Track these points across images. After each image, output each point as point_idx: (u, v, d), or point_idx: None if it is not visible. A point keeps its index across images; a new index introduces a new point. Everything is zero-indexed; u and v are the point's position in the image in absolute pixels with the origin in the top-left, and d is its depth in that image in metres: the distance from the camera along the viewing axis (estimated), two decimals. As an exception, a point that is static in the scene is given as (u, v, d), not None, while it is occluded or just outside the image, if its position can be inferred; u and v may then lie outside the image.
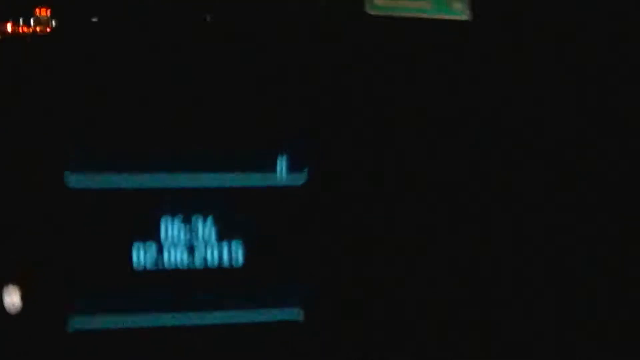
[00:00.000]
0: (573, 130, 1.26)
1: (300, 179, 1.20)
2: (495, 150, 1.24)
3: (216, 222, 1.19)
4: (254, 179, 1.19)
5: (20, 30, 1.24)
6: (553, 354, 1.27)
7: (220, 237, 1.19)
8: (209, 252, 1.19)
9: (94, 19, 1.21)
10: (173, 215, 1.18)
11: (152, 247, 1.17)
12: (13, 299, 1.15)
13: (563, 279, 1.28)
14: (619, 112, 1.28)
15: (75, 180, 1.15)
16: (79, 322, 1.16)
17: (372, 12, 1.24)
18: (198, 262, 1.18)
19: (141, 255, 1.17)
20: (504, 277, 1.25)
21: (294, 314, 1.21)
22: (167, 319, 1.19)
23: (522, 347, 1.26)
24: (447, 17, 1.25)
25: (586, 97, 1.27)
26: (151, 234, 1.17)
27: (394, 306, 1.23)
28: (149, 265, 1.17)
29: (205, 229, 1.18)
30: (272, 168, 1.20)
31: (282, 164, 1.20)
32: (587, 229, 1.27)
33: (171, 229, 1.18)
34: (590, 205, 1.27)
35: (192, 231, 1.18)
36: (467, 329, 1.25)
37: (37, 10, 1.24)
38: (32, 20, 1.24)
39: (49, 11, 1.24)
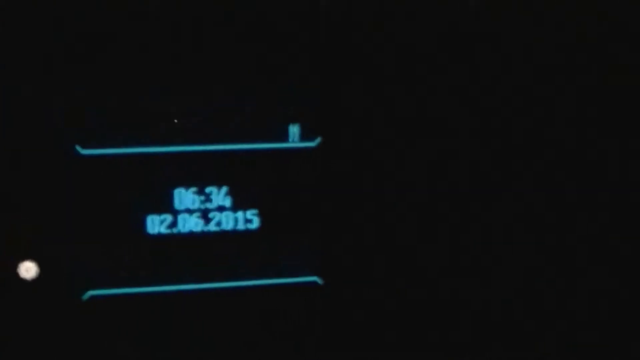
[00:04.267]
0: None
1: (312, 146, 1.20)
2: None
3: (231, 191, 1.19)
4: (268, 148, 1.19)
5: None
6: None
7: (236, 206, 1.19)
8: (224, 220, 1.19)
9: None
10: (187, 186, 1.18)
11: (167, 218, 1.18)
12: (29, 270, 1.16)
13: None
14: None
15: (88, 152, 1.15)
16: (95, 290, 1.17)
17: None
18: (212, 229, 1.19)
19: (156, 226, 1.18)
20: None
21: (313, 280, 1.22)
22: (186, 285, 1.20)
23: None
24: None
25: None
26: (165, 205, 1.18)
27: (411, 270, 1.24)
28: (163, 234, 1.18)
29: (219, 198, 1.19)
30: (285, 137, 1.20)
31: (294, 132, 1.20)
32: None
33: (185, 199, 1.18)
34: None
35: (207, 201, 1.19)
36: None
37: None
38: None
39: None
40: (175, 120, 1.18)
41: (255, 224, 1.20)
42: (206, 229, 1.19)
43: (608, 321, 1.30)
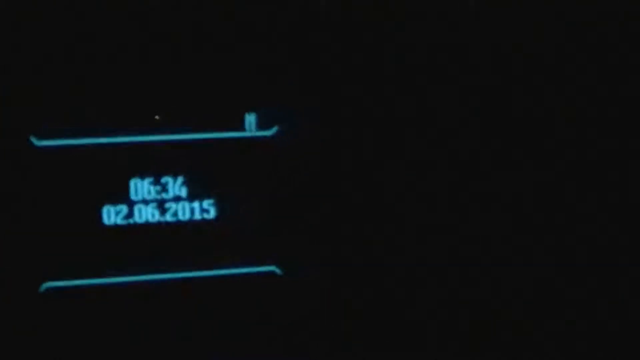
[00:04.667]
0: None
1: (269, 135, 1.20)
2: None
3: (187, 181, 1.18)
4: (224, 137, 1.19)
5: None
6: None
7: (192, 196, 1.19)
8: (180, 210, 1.19)
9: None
10: (143, 177, 1.17)
11: (123, 209, 1.17)
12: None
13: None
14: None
15: (43, 144, 1.15)
16: (52, 282, 1.17)
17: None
18: (169, 220, 1.19)
19: (112, 216, 1.17)
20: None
21: (271, 270, 1.22)
22: (141, 276, 1.19)
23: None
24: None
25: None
26: (121, 195, 1.17)
27: (370, 258, 1.24)
28: (120, 224, 1.18)
29: (176, 188, 1.18)
30: (242, 126, 1.19)
31: (251, 121, 1.19)
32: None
33: (141, 190, 1.18)
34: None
35: (163, 191, 1.18)
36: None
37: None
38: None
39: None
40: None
41: (212, 213, 1.20)
42: (163, 219, 1.19)
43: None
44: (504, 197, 1.26)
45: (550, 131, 1.26)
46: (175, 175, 1.18)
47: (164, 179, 1.18)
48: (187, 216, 1.19)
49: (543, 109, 1.25)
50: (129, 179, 1.18)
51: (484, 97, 1.24)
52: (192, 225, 1.19)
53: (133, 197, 1.18)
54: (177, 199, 1.19)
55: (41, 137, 1.15)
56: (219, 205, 1.20)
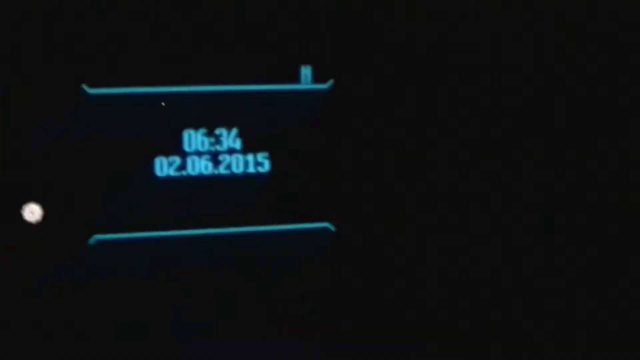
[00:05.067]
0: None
1: (324, 88, 1.18)
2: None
3: (241, 133, 1.16)
4: (279, 90, 1.17)
5: None
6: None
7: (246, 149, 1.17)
8: (234, 163, 1.17)
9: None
10: (196, 128, 1.15)
11: (176, 161, 1.15)
12: (34, 212, 1.13)
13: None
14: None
15: (96, 92, 1.12)
16: (101, 234, 1.14)
17: None
18: (222, 172, 1.17)
19: (164, 168, 1.15)
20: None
21: (324, 226, 1.20)
22: (193, 230, 1.17)
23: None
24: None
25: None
26: (174, 147, 1.15)
27: (423, 216, 1.23)
28: (172, 176, 1.15)
29: (230, 140, 1.16)
30: (297, 79, 1.18)
31: (306, 74, 1.18)
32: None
33: (195, 141, 1.16)
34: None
35: (216, 143, 1.16)
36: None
37: None
38: None
39: None
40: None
41: (266, 167, 1.18)
42: (216, 171, 1.16)
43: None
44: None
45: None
46: (229, 127, 1.16)
47: (217, 131, 1.16)
48: (241, 169, 1.17)
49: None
50: (182, 130, 1.15)
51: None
52: (245, 178, 1.17)
53: (186, 148, 1.16)
54: (231, 151, 1.17)
55: (94, 85, 1.13)
56: (273, 159, 1.18)
